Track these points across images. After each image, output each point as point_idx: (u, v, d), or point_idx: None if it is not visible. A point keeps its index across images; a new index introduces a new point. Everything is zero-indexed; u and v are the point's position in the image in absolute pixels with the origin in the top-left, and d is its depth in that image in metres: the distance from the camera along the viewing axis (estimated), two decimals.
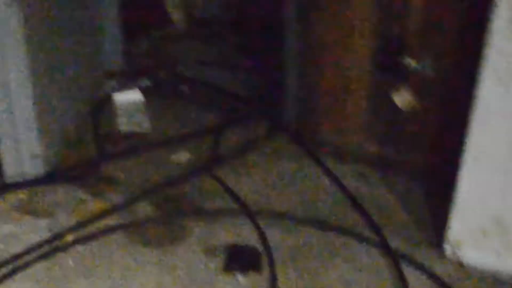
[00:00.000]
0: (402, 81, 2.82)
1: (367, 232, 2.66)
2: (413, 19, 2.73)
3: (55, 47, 2.97)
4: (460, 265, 2.53)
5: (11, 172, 2.86)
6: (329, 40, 2.92)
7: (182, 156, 3.11)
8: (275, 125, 3.30)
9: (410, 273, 2.47)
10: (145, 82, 3.64)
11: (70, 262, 2.51)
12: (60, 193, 2.85)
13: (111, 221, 2.70)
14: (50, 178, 2.90)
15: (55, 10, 2.94)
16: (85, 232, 2.64)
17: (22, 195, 2.82)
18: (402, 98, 2.83)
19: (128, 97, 3.45)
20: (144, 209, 2.78)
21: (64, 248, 2.56)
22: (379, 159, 3.00)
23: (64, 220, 2.70)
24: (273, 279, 2.43)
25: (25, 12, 2.63)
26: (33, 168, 2.88)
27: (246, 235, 2.65)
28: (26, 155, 2.85)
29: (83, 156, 3.08)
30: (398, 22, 2.76)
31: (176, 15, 4.48)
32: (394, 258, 2.53)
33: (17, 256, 2.51)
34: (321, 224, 2.69)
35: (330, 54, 2.94)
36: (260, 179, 2.98)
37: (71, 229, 2.65)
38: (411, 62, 2.78)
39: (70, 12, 3.13)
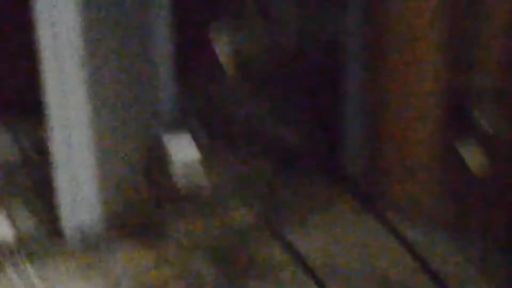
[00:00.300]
0: (472, 138, 2.73)
1: None
2: (484, 71, 2.64)
3: (115, 101, 2.96)
4: None
5: (69, 223, 2.82)
6: (394, 92, 2.84)
7: (239, 210, 3.04)
8: (335, 179, 3.22)
9: None
10: (199, 130, 3.58)
11: None
12: (117, 246, 2.79)
13: (169, 276, 2.63)
14: (107, 230, 2.85)
15: (117, 66, 2.95)
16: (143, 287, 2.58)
17: (80, 250, 2.78)
18: (472, 156, 2.73)
19: (182, 145, 3.40)
20: (203, 266, 2.70)
21: None
22: (449, 219, 2.88)
23: (121, 274, 2.63)
24: None
25: (93, 72, 2.65)
26: (90, 219, 2.83)
27: None
28: (84, 206, 2.81)
29: (140, 207, 3.02)
30: (468, 74, 2.67)
31: (228, 63, 4.45)
32: None
33: None
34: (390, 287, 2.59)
35: (395, 108, 2.86)
36: (322, 235, 2.88)
37: (129, 283, 2.58)
38: (481, 118, 2.69)
39: (129, 65, 3.12)
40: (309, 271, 2.65)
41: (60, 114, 2.70)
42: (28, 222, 2.94)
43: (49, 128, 2.73)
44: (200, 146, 3.42)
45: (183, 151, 3.39)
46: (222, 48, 4.38)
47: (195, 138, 3.49)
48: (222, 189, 3.21)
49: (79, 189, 2.80)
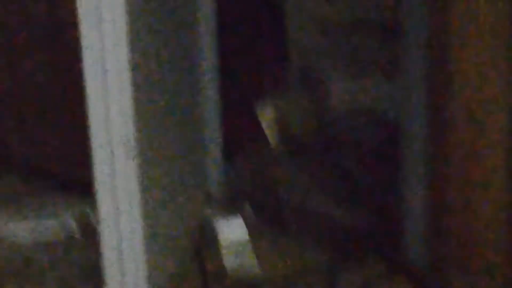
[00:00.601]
0: None
1: None
2: None
3: (164, 182, 2.90)
4: None
5: None
6: (459, 178, 2.69)
7: None
8: (394, 265, 3.06)
9: None
10: (248, 210, 3.48)
11: None
12: None
13: None
14: None
15: (167, 149, 2.91)
16: None
17: None
18: None
19: (233, 229, 3.28)
20: None
21: None
22: None
23: None
24: None
25: (142, 162, 2.60)
26: None
27: None
28: None
29: None
30: None
31: (272, 134, 4.37)
32: None
33: None
34: None
35: (460, 193, 2.70)
36: None
37: None
38: None
39: (179, 146, 3.09)
40: None
41: (108, 195, 2.63)
42: None
43: (98, 209, 2.65)
44: (249, 226, 3.32)
45: (232, 231, 3.29)
46: (268, 121, 4.31)
47: (244, 218, 3.39)
48: (273, 272, 3.08)
49: (127, 276, 2.69)
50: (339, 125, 4.21)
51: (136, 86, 2.50)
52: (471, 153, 2.63)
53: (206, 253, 3.17)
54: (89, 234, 3.22)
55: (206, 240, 3.26)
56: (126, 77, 2.44)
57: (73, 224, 3.37)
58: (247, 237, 3.24)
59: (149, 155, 2.73)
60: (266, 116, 4.33)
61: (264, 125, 4.30)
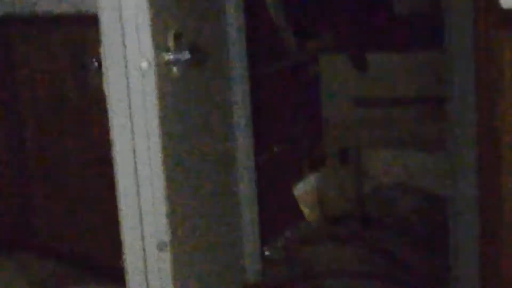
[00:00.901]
0: None
1: None
2: None
3: (198, 273, 2.79)
4: None
5: None
6: None
7: None
8: None
9: None
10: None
11: None
12: None
13: None
14: None
15: (200, 240, 2.80)
16: None
17: None
18: None
19: None
20: None
21: None
22: None
23: None
24: None
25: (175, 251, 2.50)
26: None
27: None
28: None
29: None
30: None
31: (308, 212, 4.24)
32: None
33: None
34: None
35: None
36: None
37: None
38: None
39: (213, 235, 2.98)
40: None
41: (139, 278, 2.51)
42: None
43: None
44: None
45: None
46: (305, 198, 4.19)
47: None
48: None
49: None
50: (378, 200, 4.08)
51: (168, 174, 2.41)
52: None
53: None
54: None
55: None
56: (158, 165, 2.35)
57: None
58: None
59: (183, 245, 2.62)
60: (303, 195, 4.21)
61: (301, 204, 4.17)
